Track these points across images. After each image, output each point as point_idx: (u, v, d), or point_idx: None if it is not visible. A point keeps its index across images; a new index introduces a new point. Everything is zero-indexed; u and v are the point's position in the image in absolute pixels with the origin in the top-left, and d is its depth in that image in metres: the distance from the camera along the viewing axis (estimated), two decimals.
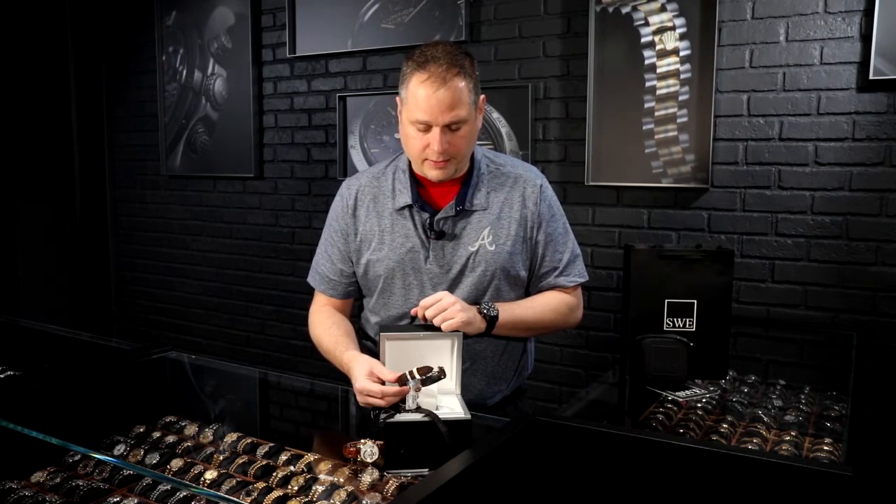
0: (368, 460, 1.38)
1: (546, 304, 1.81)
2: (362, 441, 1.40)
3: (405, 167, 1.77)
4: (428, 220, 1.74)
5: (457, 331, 1.65)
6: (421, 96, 1.61)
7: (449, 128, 1.62)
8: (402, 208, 1.76)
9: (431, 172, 1.69)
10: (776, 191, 2.56)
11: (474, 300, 1.74)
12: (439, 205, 1.76)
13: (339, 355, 1.72)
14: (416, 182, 1.76)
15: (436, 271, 1.75)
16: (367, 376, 1.52)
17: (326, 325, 1.82)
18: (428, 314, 1.59)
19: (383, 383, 1.50)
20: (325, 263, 1.87)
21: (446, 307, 1.58)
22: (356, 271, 1.83)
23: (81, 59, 4.19)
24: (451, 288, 1.75)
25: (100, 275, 4.39)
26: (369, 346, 1.90)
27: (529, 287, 1.84)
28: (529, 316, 1.78)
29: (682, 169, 2.69)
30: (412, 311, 1.64)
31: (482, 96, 1.71)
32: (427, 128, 1.63)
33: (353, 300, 1.91)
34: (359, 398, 1.55)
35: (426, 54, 1.63)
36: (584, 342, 2.94)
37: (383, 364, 1.59)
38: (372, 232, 1.78)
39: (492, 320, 1.69)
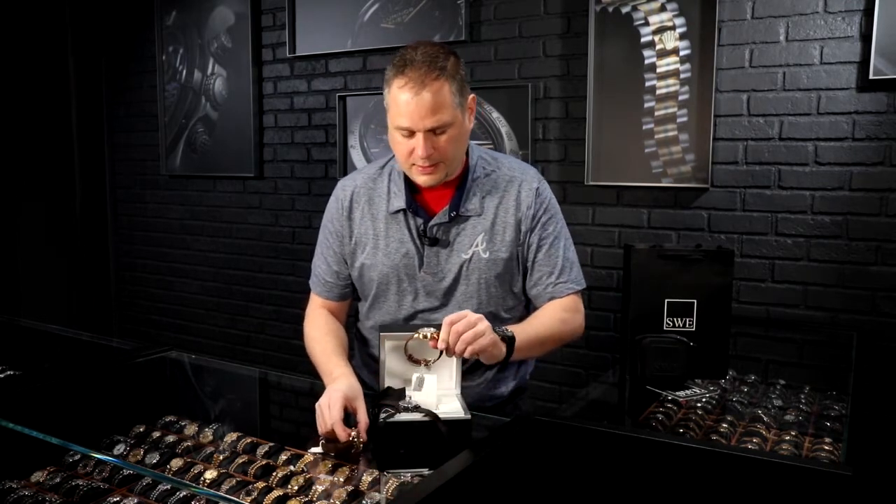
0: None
1: (551, 317, 1.73)
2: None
3: (400, 169, 1.73)
4: (422, 226, 1.72)
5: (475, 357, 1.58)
6: (401, 102, 1.57)
7: (433, 132, 1.59)
8: (397, 212, 1.73)
9: (420, 178, 1.66)
10: (776, 191, 2.56)
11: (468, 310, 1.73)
12: (434, 210, 1.72)
13: (327, 364, 1.67)
14: (411, 185, 1.72)
15: (429, 280, 1.72)
16: (341, 405, 1.45)
17: (324, 331, 1.78)
18: (460, 343, 1.46)
19: (346, 417, 1.45)
20: (321, 265, 1.85)
21: (475, 323, 1.48)
22: (351, 273, 1.82)
23: (81, 59, 4.19)
24: (445, 297, 1.73)
25: (100, 275, 4.39)
26: (366, 352, 1.89)
27: (525, 295, 1.81)
28: (541, 332, 1.69)
29: (682, 169, 2.69)
30: (432, 345, 1.50)
31: (471, 96, 1.67)
32: (410, 133, 1.60)
33: (350, 302, 1.89)
34: (319, 404, 1.49)
35: (405, 58, 1.59)
36: (584, 342, 2.94)
37: (383, 362, 1.59)
38: (367, 235, 1.76)
39: (510, 341, 1.57)
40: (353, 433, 1.43)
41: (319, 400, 1.49)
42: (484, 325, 1.49)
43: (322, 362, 1.71)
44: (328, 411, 1.45)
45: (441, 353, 1.50)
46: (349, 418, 1.48)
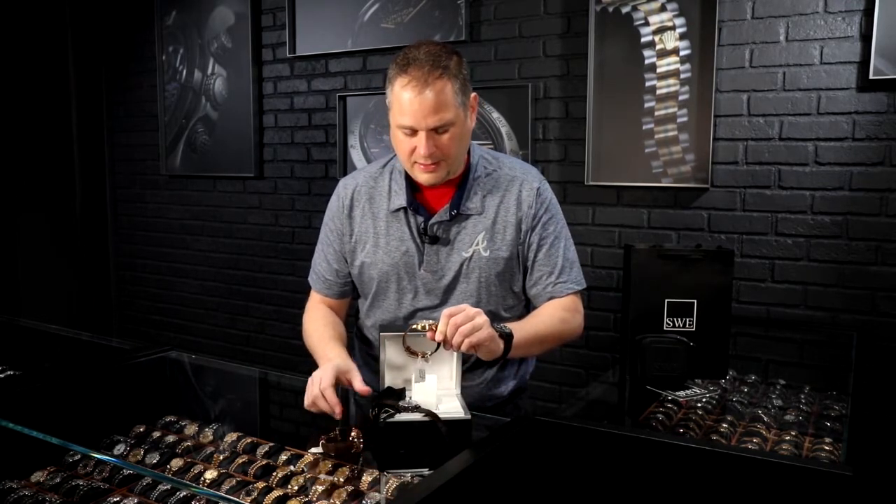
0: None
1: (550, 316, 1.73)
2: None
3: (401, 168, 1.74)
4: (422, 224, 1.72)
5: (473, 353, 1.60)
6: (404, 100, 1.58)
7: (435, 131, 1.59)
8: (397, 210, 1.73)
9: (422, 176, 1.66)
10: (776, 191, 2.56)
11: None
12: (434, 208, 1.73)
13: (323, 349, 1.69)
14: (412, 184, 1.73)
15: (429, 278, 1.72)
16: (333, 373, 1.50)
17: (321, 323, 1.80)
18: (457, 335, 1.45)
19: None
20: (321, 263, 1.86)
21: (473, 316, 1.47)
22: (351, 272, 1.82)
23: (81, 59, 4.19)
24: (445, 296, 1.73)
25: (100, 275, 4.39)
26: (366, 351, 1.90)
27: (525, 294, 1.81)
28: (540, 330, 1.69)
29: (682, 169, 2.69)
30: (430, 337, 1.49)
31: (473, 94, 1.68)
32: (413, 132, 1.60)
33: (350, 301, 1.90)
34: (311, 379, 1.52)
35: (408, 56, 1.59)
36: (584, 342, 2.94)
37: (383, 362, 1.59)
38: (367, 233, 1.77)
39: (508, 338, 1.57)
40: (353, 434, 1.42)
41: (310, 378, 1.51)
42: (482, 318, 1.49)
43: (319, 349, 1.73)
44: (318, 382, 1.47)
45: (439, 345, 1.50)
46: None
